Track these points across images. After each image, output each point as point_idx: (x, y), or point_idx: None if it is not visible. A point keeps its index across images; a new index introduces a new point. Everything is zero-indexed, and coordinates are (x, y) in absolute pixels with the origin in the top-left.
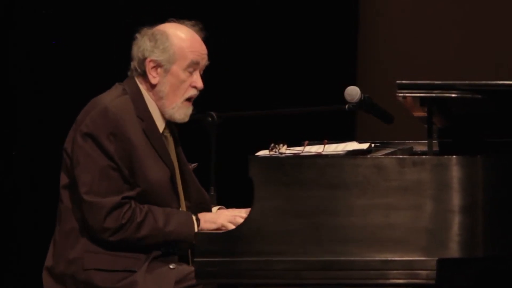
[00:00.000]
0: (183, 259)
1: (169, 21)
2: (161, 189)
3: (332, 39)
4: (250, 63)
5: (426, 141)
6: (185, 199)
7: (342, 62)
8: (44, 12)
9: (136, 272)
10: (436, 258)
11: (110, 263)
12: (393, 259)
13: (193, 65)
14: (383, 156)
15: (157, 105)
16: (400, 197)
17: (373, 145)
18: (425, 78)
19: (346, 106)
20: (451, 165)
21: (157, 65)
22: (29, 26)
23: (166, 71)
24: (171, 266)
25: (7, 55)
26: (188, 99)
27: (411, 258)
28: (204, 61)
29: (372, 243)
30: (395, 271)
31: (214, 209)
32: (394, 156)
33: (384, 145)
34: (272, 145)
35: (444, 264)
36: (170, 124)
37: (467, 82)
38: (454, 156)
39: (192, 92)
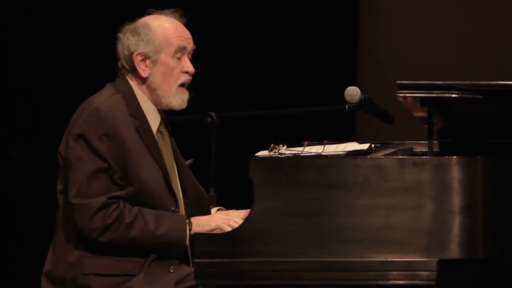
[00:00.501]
0: (183, 260)
1: (148, 13)
2: (156, 188)
3: (332, 39)
4: (250, 63)
5: (426, 142)
6: (183, 196)
7: (342, 62)
8: (43, 12)
9: (135, 276)
10: (437, 259)
11: (109, 268)
12: (393, 260)
13: (180, 50)
14: (383, 157)
15: (151, 99)
16: (400, 197)
17: (373, 145)
18: (425, 78)
19: (346, 106)
20: (451, 166)
21: (145, 57)
22: (28, 26)
23: (155, 61)
24: (170, 270)
25: (6, 55)
26: (182, 85)
27: (411, 259)
28: (190, 45)
29: (372, 243)
30: (395, 272)
31: (213, 210)
32: (394, 157)
33: (384, 146)
34: (272, 145)
35: (444, 265)
36: (166, 120)
37: (467, 82)
38: (455, 157)
39: (184, 78)
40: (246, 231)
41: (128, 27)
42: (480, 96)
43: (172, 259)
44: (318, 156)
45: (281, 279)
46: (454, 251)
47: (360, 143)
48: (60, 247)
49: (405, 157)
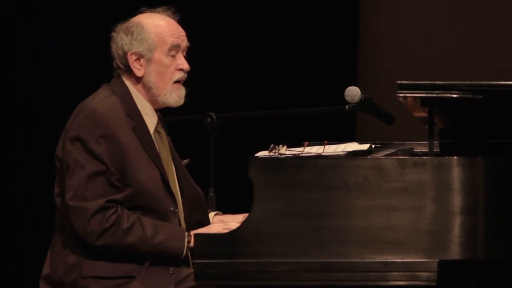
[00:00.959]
0: (182, 261)
1: (140, 12)
2: (154, 188)
3: (332, 39)
4: (250, 64)
5: (427, 142)
6: (180, 196)
7: (342, 62)
8: (42, 12)
9: (135, 278)
10: (437, 260)
11: (108, 270)
12: (393, 260)
13: (174, 48)
14: (383, 157)
15: (147, 98)
16: (401, 198)
17: (373, 145)
18: (426, 78)
19: (347, 106)
20: (452, 166)
21: (139, 57)
22: (28, 26)
23: (149, 60)
24: (170, 271)
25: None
26: (177, 82)
27: (411, 260)
28: (184, 43)
29: (372, 244)
30: (395, 273)
31: (211, 214)
32: (394, 157)
33: (384, 146)
34: (272, 146)
35: (445, 266)
36: (162, 119)
37: (468, 82)
38: (455, 157)
39: (179, 75)
40: (246, 232)
41: (121, 27)
42: (481, 96)
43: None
44: (318, 157)
45: (281, 280)
46: (454, 252)
47: (361, 143)
48: (58, 250)
49: (405, 157)
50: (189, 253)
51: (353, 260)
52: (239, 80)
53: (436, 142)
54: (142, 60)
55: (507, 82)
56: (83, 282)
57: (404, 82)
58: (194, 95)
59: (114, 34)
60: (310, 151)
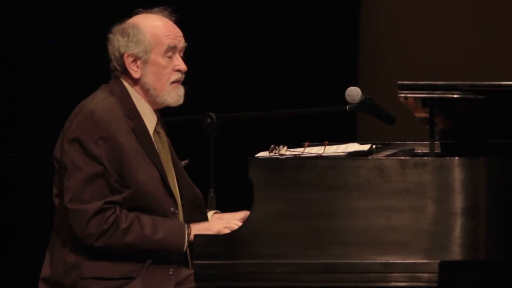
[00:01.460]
0: (182, 262)
1: (136, 13)
2: (153, 189)
3: (333, 40)
4: (250, 64)
5: (428, 143)
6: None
7: (343, 63)
8: (41, 11)
9: (134, 279)
10: (438, 261)
11: (108, 271)
12: (394, 262)
13: (171, 49)
14: (384, 158)
15: (146, 99)
16: (402, 199)
17: (374, 146)
18: (426, 78)
19: (347, 107)
20: (453, 167)
21: (136, 58)
22: (27, 26)
23: (146, 62)
24: (170, 272)
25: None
26: (175, 82)
27: (412, 261)
28: (181, 44)
29: (373, 245)
30: (396, 274)
31: (210, 213)
32: (395, 158)
33: (385, 146)
34: (272, 146)
35: (446, 267)
36: (162, 120)
37: (469, 82)
38: (456, 158)
39: (176, 76)
40: (246, 233)
41: (117, 28)
42: (482, 97)
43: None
44: (319, 157)
45: (281, 281)
46: (455, 253)
47: (361, 144)
48: (57, 251)
49: (406, 158)
50: (188, 254)
51: (353, 261)
52: (239, 80)
53: (437, 142)
54: (138, 62)
55: (508, 82)
56: (83, 283)
57: (405, 82)
58: (194, 95)
59: (110, 36)
60: (311, 152)
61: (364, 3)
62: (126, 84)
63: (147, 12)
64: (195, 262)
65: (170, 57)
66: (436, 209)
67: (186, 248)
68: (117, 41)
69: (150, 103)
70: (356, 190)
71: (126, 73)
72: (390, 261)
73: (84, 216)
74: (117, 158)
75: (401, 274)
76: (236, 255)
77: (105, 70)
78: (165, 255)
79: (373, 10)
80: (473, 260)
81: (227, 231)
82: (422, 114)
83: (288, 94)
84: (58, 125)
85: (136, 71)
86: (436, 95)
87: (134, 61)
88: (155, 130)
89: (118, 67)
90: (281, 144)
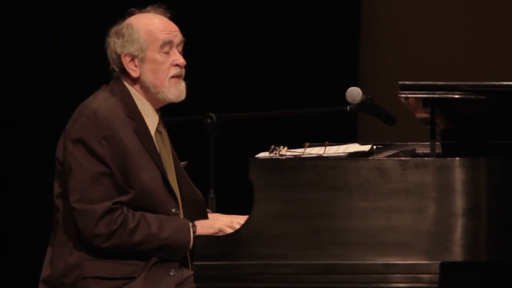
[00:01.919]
0: (182, 263)
1: (130, 13)
2: (155, 190)
3: (333, 40)
4: (251, 64)
5: (429, 143)
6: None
7: (343, 63)
8: (41, 11)
9: (135, 279)
10: (439, 262)
11: (109, 271)
12: (395, 262)
13: (167, 44)
14: (385, 158)
15: (147, 98)
16: (402, 199)
17: (374, 146)
18: (427, 79)
19: (348, 107)
20: (454, 167)
21: (133, 57)
22: (27, 26)
23: (143, 60)
24: (171, 273)
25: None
26: (175, 77)
27: (413, 262)
28: (177, 38)
29: (374, 246)
30: (397, 275)
31: (210, 216)
32: (396, 158)
33: (386, 147)
34: (273, 147)
35: (446, 268)
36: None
37: (470, 83)
38: (457, 158)
39: (175, 71)
40: (246, 233)
41: (113, 30)
42: (483, 97)
43: (172, 262)
44: (319, 158)
45: (282, 282)
46: (456, 254)
47: (362, 144)
48: (58, 251)
49: (407, 158)
50: (188, 254)
51: (354, 262)
52: (239, 80)
53: (438, 143)
54: (136, 61)
55: (510, 83)
56: (83, 283)
57: (406, 82)
58: (194, 95)
59: (108, 38)
60: (311, 152)
61: (365, 3)
62: (126, 84)
63: (141, 12)
64: (195, 263)
65: (167, 53)
66: (437, 210)
67: (192, 245)
68: (114, 43)
69: (152, 102)
70: (356, 191)
71: (125, 73)
72: (391, 262)
73: (93, 216)
74: (120, 158)
75: (402, 275)
76: (236, 256)
77: (105, 70)
78: (172, 253)
79: (374, 10)
80: (474, 261)
81: (229, 230)
82: (422, 115)
83: (289, 95)
84: (58, 125)
85: (134, 70)
86: (437, 96)
87: (132, 60)
88: (157, 130)
89: (117, 69)
90: (282, 145)
